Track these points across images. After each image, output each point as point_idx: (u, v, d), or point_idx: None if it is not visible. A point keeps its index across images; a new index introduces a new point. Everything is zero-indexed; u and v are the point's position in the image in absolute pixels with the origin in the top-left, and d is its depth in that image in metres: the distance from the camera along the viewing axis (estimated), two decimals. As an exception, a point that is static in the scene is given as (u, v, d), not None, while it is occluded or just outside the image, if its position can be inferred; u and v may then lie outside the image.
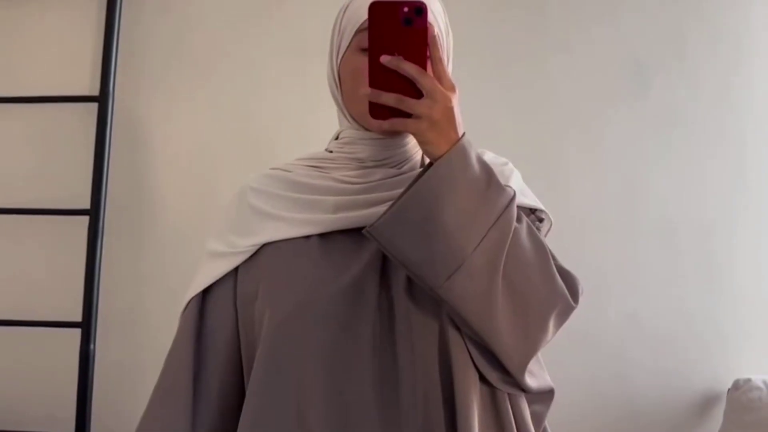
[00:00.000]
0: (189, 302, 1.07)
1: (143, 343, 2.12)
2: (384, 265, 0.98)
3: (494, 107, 2.16)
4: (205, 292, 1.07)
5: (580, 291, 1.00)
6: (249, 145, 2.14)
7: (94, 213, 2.08)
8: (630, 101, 2.19)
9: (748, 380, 2.03)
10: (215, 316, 1.05)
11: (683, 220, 2.18)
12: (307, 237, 1.01)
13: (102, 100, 2.10)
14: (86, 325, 2.05)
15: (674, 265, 2.17)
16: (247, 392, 0.99)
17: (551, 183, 2.14)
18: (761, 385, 2.01)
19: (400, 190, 0.99)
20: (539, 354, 1.02)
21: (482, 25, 2.18)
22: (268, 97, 2.15)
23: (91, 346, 2.05)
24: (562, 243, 1.09)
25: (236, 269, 1.05)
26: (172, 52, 2.17)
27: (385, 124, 0.91)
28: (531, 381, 0.98)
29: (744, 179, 2.21)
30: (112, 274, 2.11)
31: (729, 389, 2.09)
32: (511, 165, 1.11)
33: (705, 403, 2.15)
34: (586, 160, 2.18)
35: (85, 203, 2.09)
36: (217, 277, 1.05)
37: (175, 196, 2.14)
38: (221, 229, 1.08)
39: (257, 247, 1.03)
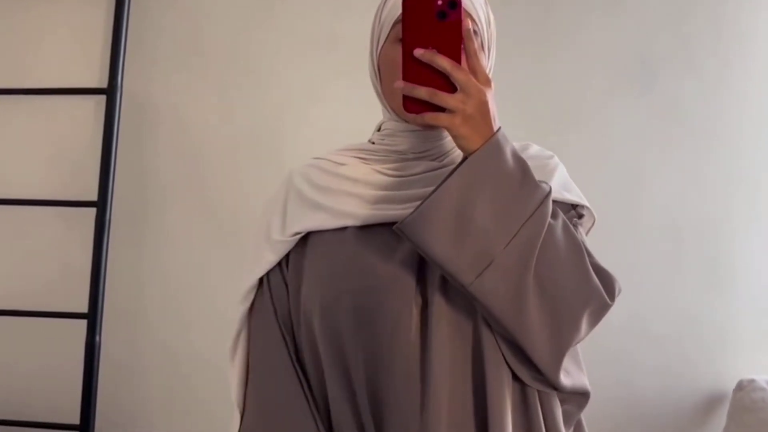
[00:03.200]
0: (260, 281, 1.07)
1: (149, 334, 2.12)
2: (421, 260, 0.98)
3: (499, 101, 2.15)
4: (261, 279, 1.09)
5: (617, 289, 0.99)
6: (257, 137, 2.14)
7: (101, 205, 2.07)
8: (634, 97, 2.18)
9: (752, 381, 2.04)
10: (276, 296, 1.07)
11: (687, 219, 2.17)
12: (344, 228, 1.02)
13: (110, 92, 2.10)
14: (92, 317, 2.05)
15: (678, 265, 2.17)
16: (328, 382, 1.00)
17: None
18: (765, 385, 2.01)
19: None
20: (580, 354, 1.02)
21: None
22: (277, 89, 2.15)
23: (97, 338, 2.05)
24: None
25: (286, 255, 1.06)
26: (181, 44, 2.16)
27: (418, 119, 0.91)
28: (565, 380, 0.97)
29: (749, 178, 2.19)
30: (119, 266, 2.11)
31: (733, 390, 2.09)
32: (556, 159, 1.11)
33: (709, 404, 2.15)
34: (589, 156, 2.16)
35: (93, 195, 2.09)
36: (274, 263, 1.06)
37: (183, 189, 2.14)
38: (272, 215, 1.09)
39: (302, 235, 1.04)
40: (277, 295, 1.06)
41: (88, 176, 2.10)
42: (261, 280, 1.08)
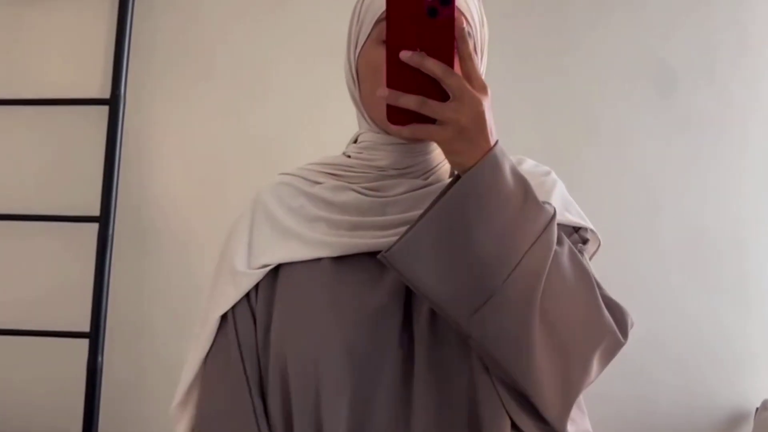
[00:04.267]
0: (223, 317, 0.93)
1: (152, 354, 2.06)
2: (408, 291, 0.86)
3: (512, 109, 2.07)
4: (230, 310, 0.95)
5: (629, 325, 0.88)
6: (261, 149, 2.08)
7: (103, 220, 2.01)
8: (654, 105, 2.10)
9: (777, 400, 1.95)
10: (243, 331, 0.93)
11: (709, 234, 2.09)
12: (319, 260, 0.89)
13: (113, 103, 2.04)
14: (94, 336, 1.98)
15: (700, 281, 2.09)
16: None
17: (571, 193, 2.05)
18: (791, 405, 1.93)
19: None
20: (581, 397, 0.89)
21: (502, 23, 2.09)
22: (280, 101, 2.10)
23: (99, 358, 1.98)
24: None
25: (255, 286, 0.92)
26: (184, 55, 2.12)
27: (405, 131, 0.79)
28: (571, 428, 0.85)
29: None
30: (122, 284, 2.05)
31: (757, 409, 2.01)
32: (554, 175, 0.98)
33: (732, 423, 2.07)
34: (606, 168, 2.09)
35: (95, 210, 2.03)
36: (240, 297, 0.92)
37: (187, 203, 2.08)
38: (237, 243, 0.96)
39: (272, 267, 0.92)
40: (244, 331, 0.92)
41: (90, 190, 2.05)
42: (223, 316, 0.94)
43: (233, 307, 0.93)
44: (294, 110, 2.09)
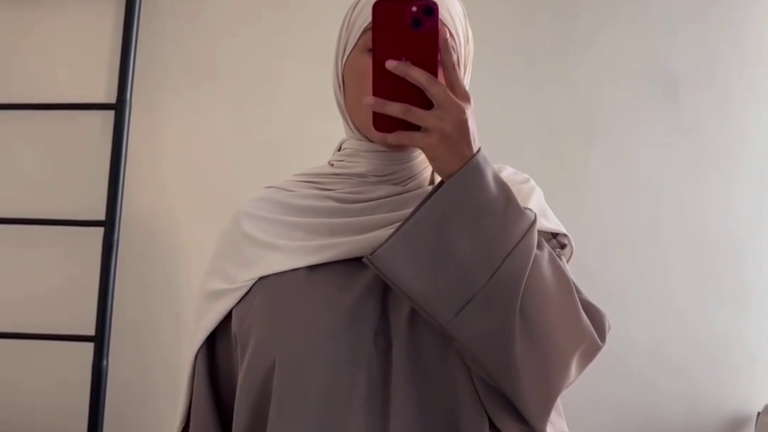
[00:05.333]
0: (198, 352, 0.98)
1: (156, 357, 2.07)
2: (384, 295, 0.88)
3: (516, 114, 2.08)
4: (214, 336, 0.98)
5: (607, 328, 0.88)
6: (267, 155, 2.08)
7: (109, 224, 2.03)
8: (656, 111, 2.11)
9: (779, 404, 1.96)
10: (225, 361, 0.97)
11: (711, 240, 2.09)
12: (296, 269, 0.91)
13: (119, 108, 2.06)
14: (99, 340, 2.00)
15: (702, 286, 2.09)
16: None
17: (574, 198, 2.07)
18: (793, 409, 1.92)
19: (404, 211, 0.89)
20: (559, 400, 0.91)
21: (510, 31, 2.10)
22: (287, 105, 2.10)
23: (104, 362, 2.00)
24: (586, 263, 0.99)
25: (236, 303, 0.95)
26: (190, 60, 2.12)
27: (390, 138, 0.81)
28: (549, 429, 0.87)
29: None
30: (127, 288, 2.06)
31: (759, 413, 2.01)
32: (532, 183, 1.00)
33: (733, 428, 2.07)
34: (610, 172, 2.09)
35: (100, 214, 2.04)
36: (219, 320, 0.95)
37: (192, 208, 2.09)
38: (218, 262, 0.99)
39: (253, 281, 0.94)
40: (225, 351, 0.96)
41: (96, 195, 2.06)
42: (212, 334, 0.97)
43: (216, 331, 0.96)
44: (301, 115, 2.09)
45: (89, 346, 2.00)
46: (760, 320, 2.09)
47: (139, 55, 2.09)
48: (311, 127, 2.07)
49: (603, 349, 0.92)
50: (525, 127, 2.08)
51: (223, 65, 2.11)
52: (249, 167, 2.08)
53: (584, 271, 0.91)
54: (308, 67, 2.09)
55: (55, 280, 2.08)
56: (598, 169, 2.09)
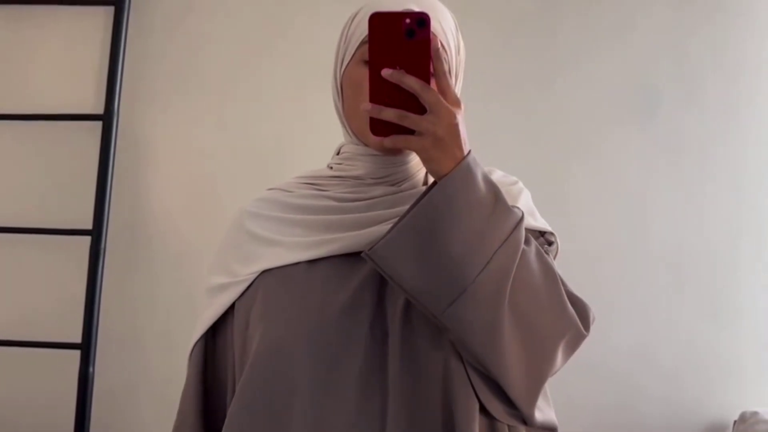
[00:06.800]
0: (194, 345, 1.03)
1: (142, 365, 2.08)
2: (380, 288, 0.94)
3: (501, 129, 2.13)
4: (214, 329, 1.03)
5: (591, 319, 0.95)
6: (254, 166, 2.11)
7: (96, 233, 2.05)
8: (639, 126, 2.16)
9: (755, 413, 1.97)
10: (221, 354, 1.02)
11: (691, 250, 2.14)
12: (296, 264, 0.97)
13: (106, 118, 2.08)
14: (86, 347, 2.01)
15: (682, 295, 2.13)
16: None
17: (557, 208, 2.11)
18: (768, 418, 1.95)
19: (399, 209, 0.95)
20: (547, 388, 0.96)
21: (491, 46, 2.15)
22: (274, 115, 2.13)
23: (91, 369, 2.01)
24: (568, 270, 1.04)
25: (237, 298, 1.01)
26: (178, 71, 2.15)
27: (386, 141, 0.87)
28: (538, 414, 0.92)
29: (753, 210, 2.16)
30: (114, 296, 2.08)
31: (735, 421, 2.03)
32: (520, 184, 1.07)
33: None
34: (592, 186, 2.14)
35: (87, 223, 2.06)
36: (221, 313, 1.01)
37: (179, 218, 2.11)
38: (221, 258, 1.05)
39: (256, 275, 0.99)
40: (223, 346, 1.02)
41: (83, 204, 2.07)
42: (213, 328, 1.03)
43: (217, 325, 1.02)
44: (288, 124, 2.12)
45: (76, 354, 2.01)
46: (737, 331, 2.13)
47: (126, 66, 2.11)
48: (298, 136, 2.11)
49: (584, 354, 0.98)
50: (509, 143, 2.12)
51: (210, 76, 2.14)
52: (236, 177, 2.10)
53: (568, 281, 0.97)
54: (293, 78, 2.13)
55: (42, 288, 2.09)
56: (583, 181, 2.13)
